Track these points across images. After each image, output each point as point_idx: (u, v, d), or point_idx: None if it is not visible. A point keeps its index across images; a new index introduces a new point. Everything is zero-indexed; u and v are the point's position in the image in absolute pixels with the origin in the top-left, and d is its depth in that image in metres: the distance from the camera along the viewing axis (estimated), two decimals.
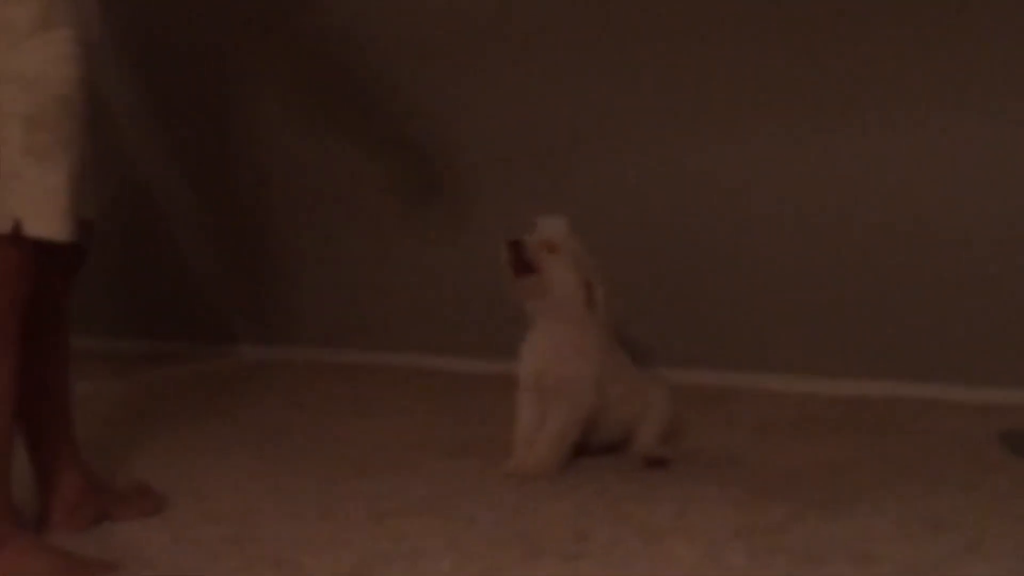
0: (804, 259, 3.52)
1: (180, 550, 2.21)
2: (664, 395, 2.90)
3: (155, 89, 4.50)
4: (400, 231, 4.13)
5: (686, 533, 2.22)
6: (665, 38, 3.59)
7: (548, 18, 3.75)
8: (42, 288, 2.16)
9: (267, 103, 4.27)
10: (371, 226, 4.18)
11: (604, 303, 2.75)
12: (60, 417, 2.34)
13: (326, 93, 4.14)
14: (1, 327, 2.03)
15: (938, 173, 3.33)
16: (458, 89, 3.92)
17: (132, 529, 2.33)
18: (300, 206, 4.31)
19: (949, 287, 3.35)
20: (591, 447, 2.83)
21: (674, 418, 2.92)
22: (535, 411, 2.77)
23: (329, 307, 4.34)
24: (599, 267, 2.78)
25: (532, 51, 3.79)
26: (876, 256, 3.43)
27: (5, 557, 2.05)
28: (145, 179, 4.60)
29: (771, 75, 3.47)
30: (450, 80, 3.92)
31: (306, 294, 4.37)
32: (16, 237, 2.00)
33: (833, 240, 3.47)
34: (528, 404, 2.78)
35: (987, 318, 3.32)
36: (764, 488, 2.51)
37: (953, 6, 3.18)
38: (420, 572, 2.05)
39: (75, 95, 2.04)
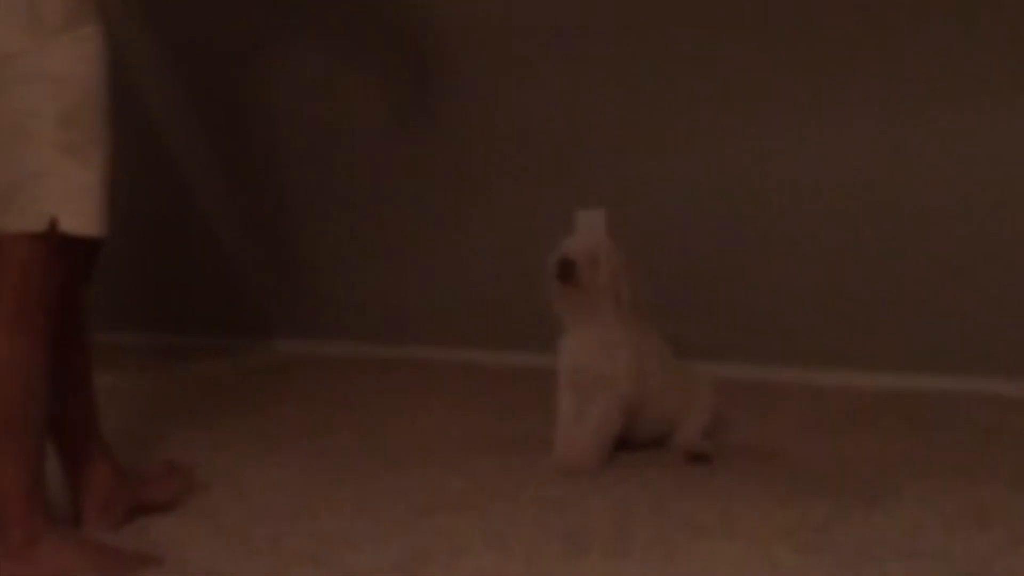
0: (850, 250, 3.50)
1: (218, 546, 2.21)
2: (707, 389, 2.90)
3: (193, 87, 4.52)
4: (438, 223, 4.13)
5: (731, 530, 2.22)
6: (698, 31, 3.60)
7: (584, 10, 3.76)
8: (70, 281, 2.17)
9: (308, 100, 4.28)
10: (408, 218, 4.19)
11: (636, 301, 2.76)
12: (85, 412, 2.35)
13: (366, 88, 4.15)
14: (32, 323, 2.04)
15: (995, 166, 3.31)
16: (496, 80, 3.93)
17: (170, 525, 2.34)
18: (336, 199, 4.32)
19: (998, 279, 3.33)
20: (633, 442, 2.83)
21: (717, 412, 2.92)
22: (574, 406, 2.78)
23: (366, 301, 4.34)
24: (633, 264, 2.77)
25: (572, 44, 3.80)
26: (924, 247, 3.41)
27: (42, 552, 2.06)
28: (181, 174, 4.62)
29: (813, 66, 3.46)
30: (490, 71, 3.93)
31: (343, 287, 4.38)
32: (50, 234, 2.01)
33: (880, 231, 3.46)
34: (567, 399, 2.79)
35: None
36: (809, 484, 2.50)
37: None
38: (461, 569, 2.05)
39: (104, 91, 2.07)
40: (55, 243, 2.03)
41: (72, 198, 2.01)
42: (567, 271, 2.69)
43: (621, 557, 2.10)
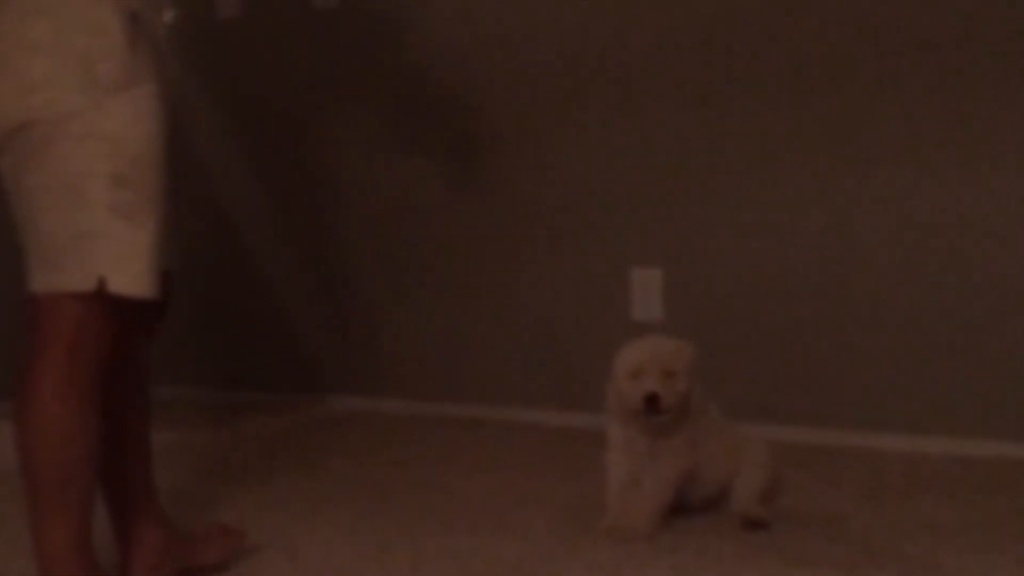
0: (912, 312, 3.48)
1: None
2: (762, 453, 2.87)
3: (254, 149, 4.57)
4: (493, 283, 4.14)
5: None
6: (759, 86, 3.60)
7: (631, 70, 3.78)
8: (123, 341, 2.19)
9: (369, 166, 4.32)
10: (465, 277, 4.20)
11: (701, 396, 2.77)
12: (140, 471, 2.36)
13: (416, 142, 4.18)
14: (82, 385, 2.06)
15: None
16: (545, 142, 3.95)
17: None
18: (393, 259, 4.34)
19: None
20: (687, 505, 2.81)
21: (774, 475, 2.89)
22: (625, 470, 2.76)
23: (421, 358, 4.35)
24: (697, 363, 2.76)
25: (620, 105, 3.81)
26: (987, 308, 3.38)
27: None
28: (234, 227, 4.66)
29: (874, 120, 3.45)
30: (539, 134, 3.95)
31: (398, 345, 4.38)
32: (100, 294, 2.03)
33: (943, 291, 3.43)
34: (620, 463, 2.77)
35: None
36: (870, 553, 2.48)
37: None
38: None
39: (158, 151, 2.08)
40: (104, 304, 2.05)
41: (122, 259, 2.03)
42: (654, 407, 2.66)
43: None
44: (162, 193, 2.09)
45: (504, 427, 3.98)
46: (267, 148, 4.55)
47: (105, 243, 2.02)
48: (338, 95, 4.35)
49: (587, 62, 3.88)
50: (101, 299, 2.04)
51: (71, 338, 2.05)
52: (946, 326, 3.44)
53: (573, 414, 3.93)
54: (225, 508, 2.97)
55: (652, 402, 2.63)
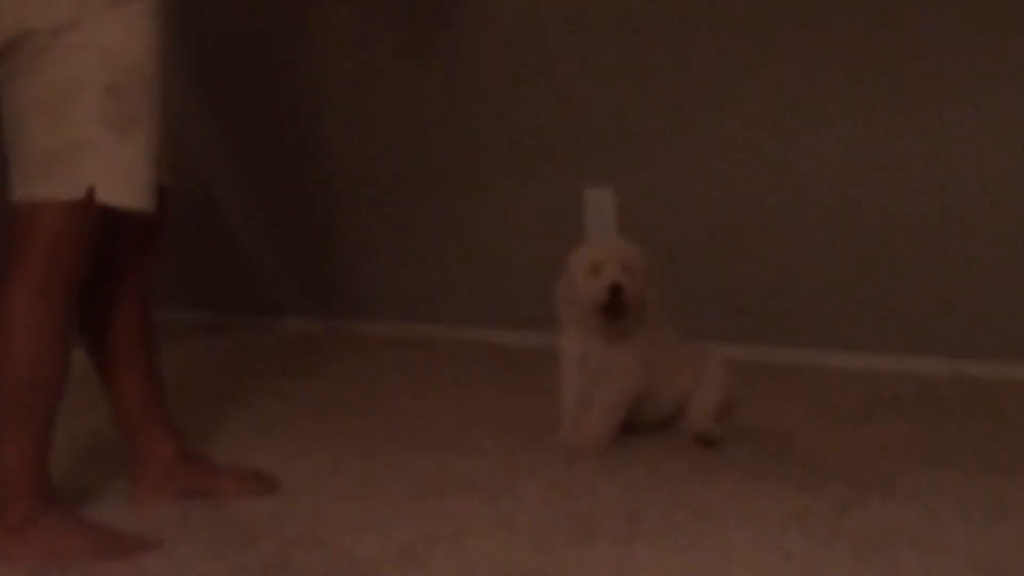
0: (867, 231, 3.48)
1: (222, 526, 2.21)
2: (717, 370, 2.87)
3: (217, 76, 4.52)
4: (450, 205, 4.12)
5: (741, 516, 2.21)
6: (714, 24, 3.60)
7: (598, 5, 3.76)
8: (122, 261, 2.22)
9: (312, 77, 4.28)
10: (420, 201, 4.17)
11: (656, 307, 2.76)
12: (145, 389, 2.36)
13: (371, 62, 4.14)
14: (59, 295, 2.05)
15: (1007, 152, 3.28)
16: (505, 58, 3.92)
17: (173, 504, 2.33)
18: (348, 177, 4.31)
19: (1017, 264, 3.31)
20: (642, 424, 2.81)
21: (729, 394, 2.89)
22: (578, 386, 2.76)
23: (374, 280, 4.34)
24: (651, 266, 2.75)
25: (586, 38, 3.79)
26: (941, 232, 3.39)
27: (37, 534, 2.07)
28: (192, 148, 4.61)
29: (832, 56, 3.44)
30: (505, 65, 3.93)
31: (351, 267, 4.37)
32: (87, 204, 2.02)
33: (899, 214, 3.44)
34: (574, 380, 2.77)
35: None
36: (824, 470, 2.49)
37: None
38: (466, 553, 2.05)
39: (153, 66, 2.08)
40: (89, 216, 2.04)
41: (111, 170, 2.03)
42: (618, 299, 2.64)
43: (629, 543, 2.09)
44: (157, 108, 2.09)
45: (456, 346, 3.98)
46: (215, 71, 4.50)
47: (95, 153, 2.02)
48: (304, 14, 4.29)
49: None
50: (87, 210, 2.03)
51: (51, 249, 2.04)
52: (900, 245, 3.45)
53: (525, 333, 3.92)
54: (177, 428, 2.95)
55: (616, 293, 2.62)
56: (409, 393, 3.33)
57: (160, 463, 2.37)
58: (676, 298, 2.91)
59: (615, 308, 2.64)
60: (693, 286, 3.65)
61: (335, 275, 4.41)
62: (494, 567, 1.98)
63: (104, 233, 2.10)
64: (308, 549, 2.08)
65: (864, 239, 3.49)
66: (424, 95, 4.09)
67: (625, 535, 2.13)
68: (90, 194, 2.01)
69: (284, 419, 3.05)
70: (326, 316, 4.44)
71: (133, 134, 2.04)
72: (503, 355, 3.83)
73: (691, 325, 3.05)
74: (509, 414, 3.06)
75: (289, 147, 4.42)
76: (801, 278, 3.59)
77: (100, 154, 2.02)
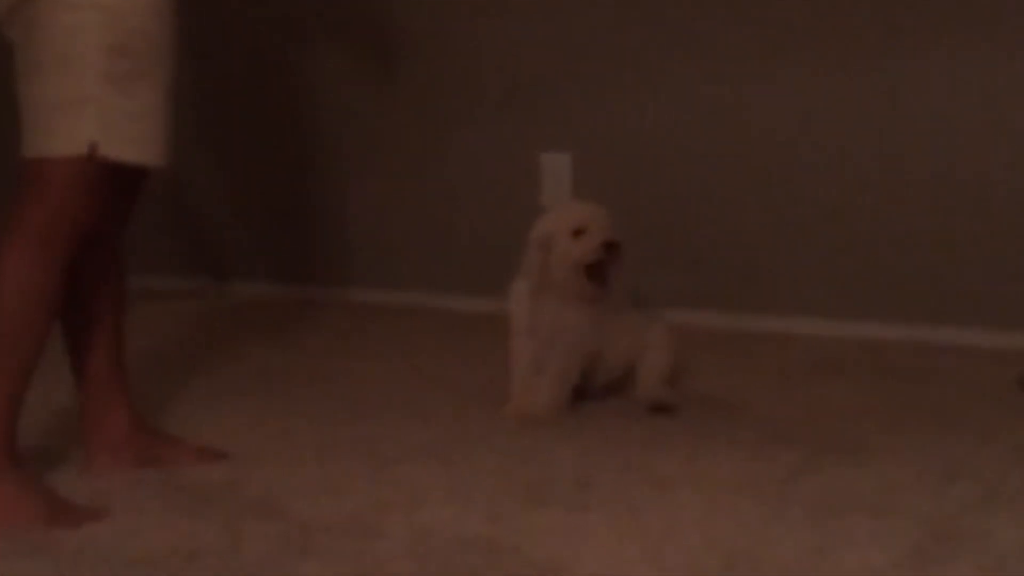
0: (822, 198, 3.50)
1: (172, 495, 2.20)
2: (663, 334, 2.86)
3: None
4: (400, 167, 4.10)
5: (694, 481, 2.22)
6: None
7: None
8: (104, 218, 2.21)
9: (264, 46, 4.24)
10: (373, 163, 4.15)
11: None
12: (108, 354, 2.34)
13: (326, 29, 4.11)
14: (55, 255, 2.06)
15: (959, 116, 3.31)
16: (460, 22, 3.91)
17: (127, 472, 2.32)
18: (296, 141, 4.28)
19: (970, 229, 3.33)
20: (593, 389, 2.82)
21: (675, 359, 2.88)
22: (530, 353, 2.75)
23: (326, 243, 4.31)
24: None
25: None
26: (895, 196, 3.41)
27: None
28: None
29: (794, 10, 3.43)
30: (454, 13, 3.91)
31: (302, 230, 4.34)
32: (90, 160, 2.03)
33: (851, 179, 3.45)
34: (524, 347, 2.77)
35: (1008, 261, 3.30)
36: (777, 435, 2.50)
37: None
38: (420, 520, 2.04)
39: (160, 26, 2.09)
40: (94, 171, 2.05)
41: (114, 125, 2.04)
42: (614, 255, 2.65)
43: (583, 510, 2.10)
44: (164, 66, 2.11)
45: (410, 312, 3.97)
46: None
47: (97, 109, 2.03)
48: None
49: None
50: (91, 165, 2.04)
51: (55, 201, 2.05)
52: (852, 211, 3.47)
53: (480, 299, 3.91)
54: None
55: (613, 249, 2.63)
56: (364, 359, 3.32)
57: (116, 430, 2.35)
58: (628, 263, 2.90)
59: (603, 268, 2.64)
60: (645, 251, 3.65)
61: (290, 240, 4.38)
62: (447, 535, 1.98)
63: (114, 188, 2.12)
64: (260, 517, 2.07)
65: (815, 204, 3.51)
66: (379, 59, 4.07)
67: (578, 502, 2.13)
68: (92, 149, 2.02)
69: (238, 386, 3.03)
70: (281, 281, 4.41)
71: (138, 90, 2.06)
72: (460, 321, 3.82)
73: (642, 290, 3.05)
74: (464, 381, 3.05)
75: (235, 108, 4.39)
76: (753, 243, 3.61)
77: (104, 110, 2.03)
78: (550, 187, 3.81)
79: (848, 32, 3.39)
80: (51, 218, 2.05)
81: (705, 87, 3.59)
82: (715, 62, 3.57)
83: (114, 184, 2.11)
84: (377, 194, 4.16)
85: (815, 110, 3.46)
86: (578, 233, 2.64)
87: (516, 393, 2.75)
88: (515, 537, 1.97)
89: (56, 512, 2.08)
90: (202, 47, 4.36)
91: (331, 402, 2.86)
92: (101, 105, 2.03)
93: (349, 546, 1.93)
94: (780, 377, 3.05)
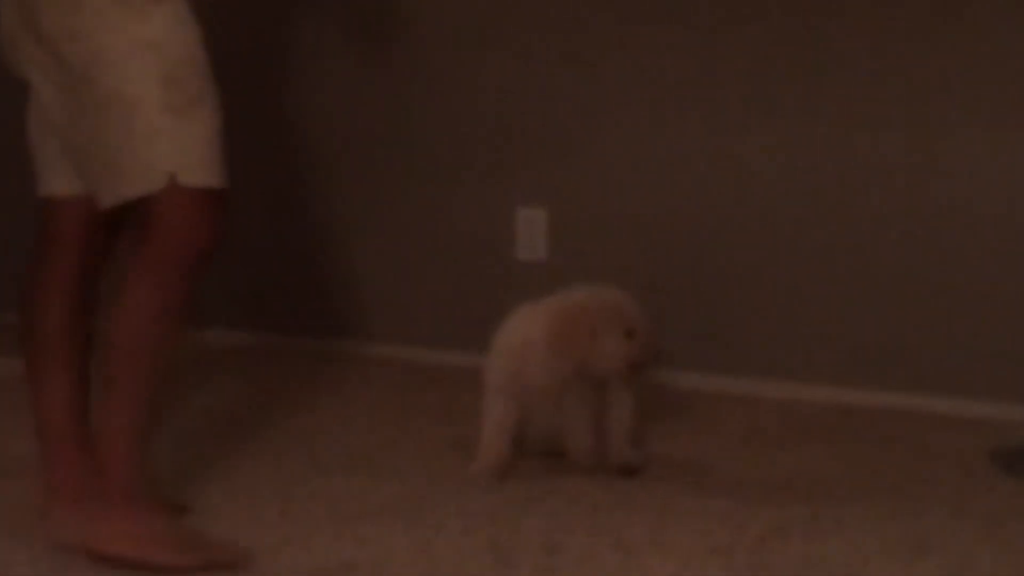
0: (793, 260, 3.50)
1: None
2: (626, 394, 2.83)
3: None
4: (376, 219, 4.09)
5: (662, 548, 2.21)
6: (646, 23, 3.60)
7: (528, 5, 3.75)
8: (99, 254, 2.31)
9: (243, 84, 4.24)
10: (345, 212, 4.14)
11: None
12: (69, 403, 2.33)
13: (304, 72, 4.12)
14: (170, 279, 2.15)
15: (940, 177, 3.32)
16: (437, 74, 3.91)
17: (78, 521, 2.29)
18: (268, 188, 4.26)
19: (944, 297, 3.33)
20: (534, 448, 2.81)
21: (638, 421, 2.87)
22: (506, 411, 2.74)
23: (298, 293, 4.30)
24: None
25: (515, 37, 3.79)
26: (869, 261, 3.41)
27: (132, 514, 2.13)
28: None
29: (778, 65, 3.45)
30: (431, 66, 3.91)
31: (274, 278, 4.32)
32: (174, 190, 2.08)
33: (824, 242, 3.46)
34: (498, 404, 2.75)
35: (982, 330, 3.30)
36: (746, 501, 2.50)
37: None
38: None
39: (200, 53, 2.15)
40: (184, 200, 2.09)
41: (187, 151, 2.10)
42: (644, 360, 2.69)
43: (548, 574, 2.09)
44: (210, 92, 2.15)
45: (381, 365, 3.95)
46: None
47: (165, 140, 2.08)
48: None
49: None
50: (176, 193, 2.08)
51: (161, 235, 2.10)
52: (826, 275, 3.47)
53: (453, 353, 3.90)
54: None
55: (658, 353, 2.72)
56: (330, 414, 3.30)
57: (74, 480, 2.31)
58: None
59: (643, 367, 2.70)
60: None
61: (258, 287, 4.36)
62: None
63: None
64: (224, 571, 2.05)
65: (787, 266, 3.51)
66: (361, 98, 4.07)
67: (545, 566, 2.13)
68: (172, 179, 2.07)
69: (201, 437, 3.01)
70: (252, 329, 4.40)
71: (196, 116, 2.11)
72: (431, 375, 3.80)
73: None
74: (435, 438, 3.03)
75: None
76: (722, 303, 3.60)
77: (173, 139, 2.08)
78: (525, 242, 3.81)
79: (836, 92, 3.41)
80: (163, 249, 2.11)
81: (681, 143, 3.59)
82: (692, 119, 3.58)
83: (207, 204, 2.14)
84: (351, 245, 4.15)
85: (792, 168, 3.47)
86: (630, 335, 2.66)
87: (483, 452, 2.73)
88: None
89: (189, 542, 2.15)
90: None
91: (295, 456, 2.84)
92: (167, 136, 2.08)
93: None
94: (748, 441, 3.04)
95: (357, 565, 2.10)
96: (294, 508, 2.42)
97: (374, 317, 4.15)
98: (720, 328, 3.62)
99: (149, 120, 2.07)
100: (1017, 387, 3.27)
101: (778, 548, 2.22)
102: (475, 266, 3.91)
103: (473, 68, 3.87)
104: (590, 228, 3.73)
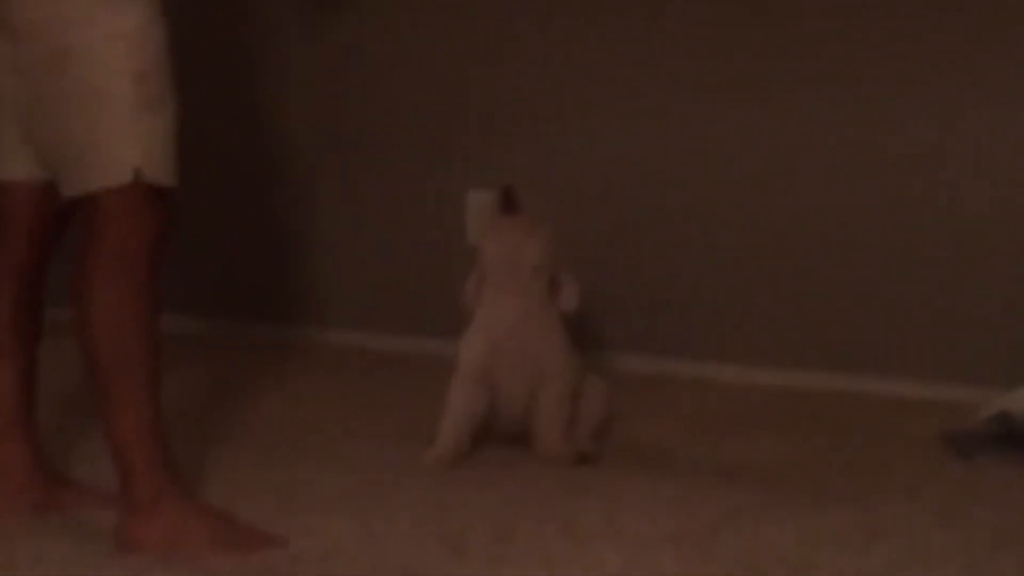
0: (743, 242, 3.51)
1: (76, 540, 2.17)
2: (600, 392, 2.87)
3: None
4: (327, 201, 4.07)
5: (614, 536, 2.21)
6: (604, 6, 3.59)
7: None
8: (47, 243, 2.32)
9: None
10: (297, 196, 4.12)
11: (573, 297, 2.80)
12: (15, 388, 2.33)
13: (265, 60, 4.09)
14: (133, 273, 2.10)
15: (887, 160, 3.35)
16: (387, 57, 3.89)
17: (27, 515, 2.27)
18: (227, 174, 4.23)
19: (895, 278, 3.36)
20: (500, 433, 2.81)
21: (609, 415, 2.90)
22: (472, 400, 2.73)
23: (248, 279, 4.27)
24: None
25: (469, 19, 3.78)
26: (818, 243, 3.43)
27: (161, 516, 2.10)
28: None
29: (753, 47, 3.47)
30: (381, 49, 3.90)
31: (226, 264, 4.30)
32: (136, 186, 2.07)
33: (774, 224, 3.47)
34: (465, 392, 2.74)
35: (934, 311, 3.33)
36: (698, 487, 2.50)
37: None
38: (332, 574, 2.03)
39: (168, 51, 2.15)
40: (140, 195, 2.08)
41: (152, 150, 2.09)
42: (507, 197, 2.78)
43: (500, 562, 2.09)
44: (174, 94, 2.15)
45: (332, 351, 3.93)
46: None
47: (135, 136, 2.07)
48: None
49: None
50: (139, 189, 2.08)
51: (120, 230, 2.09)
52: (775, 257, 3.48)
53: (404, 339, 3.90)
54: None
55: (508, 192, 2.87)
56: (280, 402, 3.28)
57: (16, 471, 2.31)
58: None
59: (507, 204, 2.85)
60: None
61: (209, 272, 4.33)
62: None
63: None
64: (166, 567, 2.04)
65: (738, 248, 3.52)
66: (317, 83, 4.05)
67: (495, 554, 2.13)
68: (137, 175, 2.07)
69: None
70: (203, 315, 4.36)
71: (162, 112, 2.11)
72: (382, 362, 3.78)
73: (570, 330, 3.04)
74: (386, 426, 3.02)
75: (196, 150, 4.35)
76: (671, 285, 3.61)
77: (140, 136, 2.08)
78: (475, 226, 3.79)
79: (811, 73, 3.43)
80: (116, 245, 2.09)
81: (632, 124, 3.60)
82: (645, 98, 3.58)
83: (159, 202, 2.13)
84: (302, 230, 4.13)
85: (742, 150, 3.48)
86: None
87: (440, 439, 2.72)
88: None
89: (226, 533, 2.15)
90: None
91: (241, 445, 2.82)
92: (138, 132, 2.07)
93: None
94: (700, 426, 3.05)
95: (305, 560, 2.09)
96: (240, 500, 2.39)
97: (326, 303, 4.14)
98: (669, 311, 3.62)
99: (118, 115, 2.06)
100: (970, 369, 3.29)
101: (730, 535, 2.22)
102: (428, 251, 3.90)
103: (426, 55, 3.85)
104: (539, 211, 3.72)
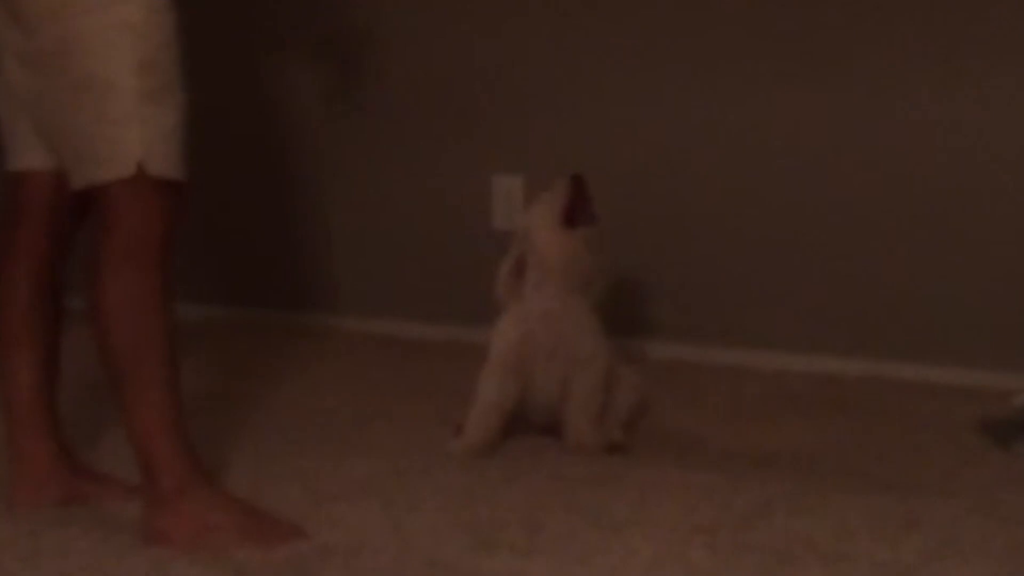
0: (778, 228, 3.50)
1: (101, 532, 2.17)
2: (633, 383, 2.86)
3: None
4: (353, 188, 4.07)
5: (645, 526, 2.21)
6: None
7: None
8: (65, 236, 2.32)
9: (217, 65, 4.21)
10: (322, 182, 4.12)
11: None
12: (36, 380, 2.33)
13: (281, 46, 4.09)
14: (144, 265, 2.10)
15: (936, 148, 3.33)
16: (412, 42, 3.89)
17: (50, 508, 2.28)
18: (243, 160, 4.24)
19: (933, 264, 3.34)
20: (532, 423, 2.81)
21: (642, 405, 2.90)
22: (503, 390, 2.72)
23: (274, 266, 4.28)
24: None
25: (492, 3, 3.78)
26: (855, 228, 3.42)
27: (185, 508, 2.10)
28: None
29: (778, 27, 3.46)
30: (406, 34, 3.89)
31: (250, 252, 4.31)
32: (139, 178, 2.07)
33: (810, 212, 3.46)
34: (497, 381, 2.73)
35: (973, 297, 3.31)
36: (731, 477, 2.49)
37: None
38: (358, 566, 2.02)
39: (174, 41, 2.14)
40: (148, 186, 2.09)
41: (156, 141, 2.09)
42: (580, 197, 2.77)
43: (529, 554, 2.09)
44: (181, 85, 2.15)
45: (359, 338, 3.94)
46: None
47: (138, 128, 2.07)
48: None
49: None
50: (144, 181, 2.08)
51: (129, 221, 2.09)
52: (811, 243, 3.47)
53: (431, 326, 3.90)
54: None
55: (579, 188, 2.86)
56: (305, 388, 3.29)
57: (39, 462, 2.32)
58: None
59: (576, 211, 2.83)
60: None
61: (233, 261, 4.35)
62: None
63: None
64: (191, 559, 2.04)
65: (773, 234, 3.51)
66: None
67: (525, 546, 2.12)
68: (140, 167, 2.06)
69: None
70: (221, 302, 4.38)
71: (167, 103, 2.11)
72: (409, 348, 3.79)
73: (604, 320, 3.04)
74: (408, 412, 3.03)
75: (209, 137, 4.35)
76: (705, 272, 3.61)
77: (144, 127, 2.07)
78: (502, 210, 3.79)
79: (811, 49, 3.40)
80: (132, 237, 2.09)
81: (662, 107, 3.59)
82: (672, 82, 3.57)
83: (168, 195, 2.13)
84: (328, 217, 4.13)
85: (780, 136, 3.47)
86: None
87: (470, 428, 2.71)
88: None
89: (252, 524, 2.14)
90: None
91: (269, 433, 2.83)
92: (142, 123, 2.07)
93: None
94: (734, 414, 3.04)
95: (332, 549, 2.09)
96: (267, 489, 2.40)
97: (347, 289, 4.14)
98: (705, 298, 3.61)
99: (122, 105, 2.06)
100: (1009, 355, 3.28)
101: (763, 526, 2.21)
102: (450, 236, 3.90)
103: (447, 34, 3.85)
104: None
